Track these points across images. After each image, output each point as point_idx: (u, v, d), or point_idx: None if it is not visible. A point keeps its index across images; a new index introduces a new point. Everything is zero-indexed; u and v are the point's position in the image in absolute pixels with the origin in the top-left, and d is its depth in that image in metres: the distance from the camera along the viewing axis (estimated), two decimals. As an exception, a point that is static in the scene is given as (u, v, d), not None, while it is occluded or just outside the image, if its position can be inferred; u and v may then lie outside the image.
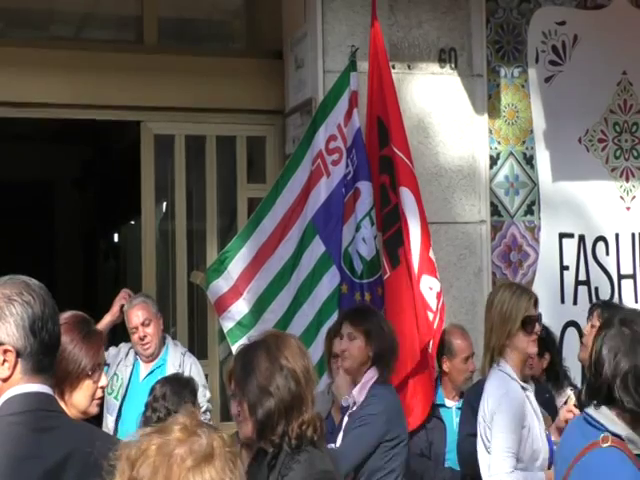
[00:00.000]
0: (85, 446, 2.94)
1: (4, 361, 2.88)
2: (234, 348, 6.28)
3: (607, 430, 3.55)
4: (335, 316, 6.23)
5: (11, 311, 2.97)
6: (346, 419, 5.39)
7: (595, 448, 3.56)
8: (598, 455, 3.54)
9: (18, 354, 2.92)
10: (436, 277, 6.30)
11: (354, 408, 5.38)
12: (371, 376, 5.41)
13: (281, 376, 3.50)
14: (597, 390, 3.62)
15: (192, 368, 6.42)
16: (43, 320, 2.98)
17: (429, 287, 6.28)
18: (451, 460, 5.95)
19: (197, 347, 7.21)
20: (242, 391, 3.57)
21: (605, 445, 3.52)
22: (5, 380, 2.91)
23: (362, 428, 5.23)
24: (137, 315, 6.43)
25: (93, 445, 2.96)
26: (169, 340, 6.67)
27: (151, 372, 6.44)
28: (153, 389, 5.23)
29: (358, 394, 5.40)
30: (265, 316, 6.40)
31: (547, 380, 6.18)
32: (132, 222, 9.97)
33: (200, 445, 2.07)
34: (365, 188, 6.31)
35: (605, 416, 3.60)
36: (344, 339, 5.51)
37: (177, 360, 6.46)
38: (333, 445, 5.23)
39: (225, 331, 6.53)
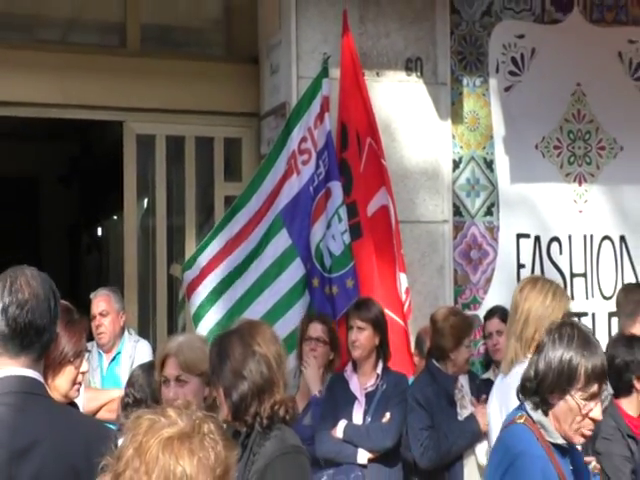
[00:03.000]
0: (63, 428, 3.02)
1: None
2: (198, 330, 6.38)
3: (526, 412, 3.65)
4: (298, 308, 6.33)
5: None
6: (362, 400, 5.70)
7: (511, 425, 3.68)
8: (511, 429, 3.66)
9: None
10: (405, 273, 6.42)
11: (373, 388, 5.73)
12: (378, 362, 5.75)
13: (254, 361, 3.53)
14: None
15: (142, 351, 6.52)
16: (20, 307, 3.04)
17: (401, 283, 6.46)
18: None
19: (171, 332, 7.17)
20: (217, 376, 3.61)
21: (519, 421, 3.63)
22: None
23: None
24: (97, 305, 6.58)
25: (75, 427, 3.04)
26: (127, 333, 6.73)
27: (111, 361, 6.56)
28: (130, 376, 5.28)
29: (370, 377, 5.73)
30: (222, 299, 6.45)
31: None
32: (115, 217, 9.99)
33: (182, 425, 2.07)
34: (335, 188, 6.38)
35: (532, 402, 3.67)
36: (354, 330, 5.70)
37: (130, 348, 6.57)
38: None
39: (191, 315, 6.59)
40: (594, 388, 3.53)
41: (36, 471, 2.91)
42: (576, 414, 3.53)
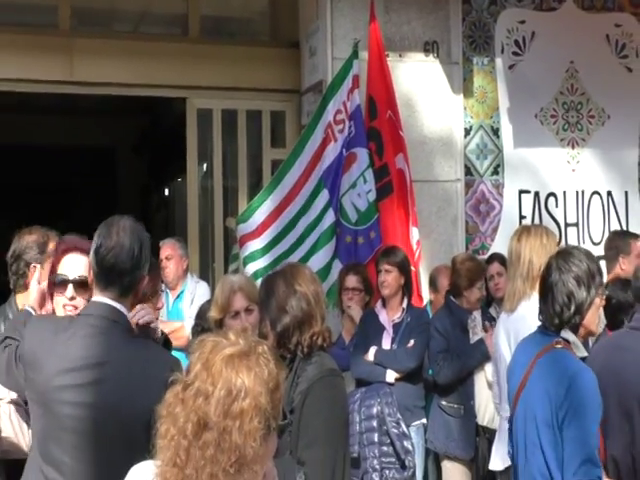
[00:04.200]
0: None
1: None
2: (247, 268, 6.42)
3: (561, 337, 3.59)
4: (325, 251, 6.33)
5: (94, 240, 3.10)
6: (390, 330, 5.75)
7: (551, 350, 3.62)
8: (554, 353, 3.59)
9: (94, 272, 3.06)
10: (417, 227, 6.40)
11: (399, 320, 5.77)
12: (404, 299, 5.79)
13: (295, 298, 3.50)
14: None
15: (201, 290, 6.54)
16: (107, 251, 3.06)
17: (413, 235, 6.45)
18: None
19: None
20: (265, 311, 3.60)
21: (558, 347, 3.57)
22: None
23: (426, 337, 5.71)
24: (164, 251, 6.64)
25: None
26: (189, 276, 6.75)
27: (175, 299, 6.60)
28: (199, 310, 5.27)
29: (397, 312, 5.77)
30: (272, 251, 6.44)
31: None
32: (179, 180, 9.97)
33: (241, 346, 2.08)
34: (361, 153, 6.37)
35: (569, 327, 3.63)
36: (383, 273, 5.73)
37: (192, 288, 6.60)
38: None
39: (241, 260, 6.59)
40: (599, 282, 3.60)
41: (99, 383, 2.94)
42: (598, 308, 3.59)
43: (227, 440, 1.99)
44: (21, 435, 3.43)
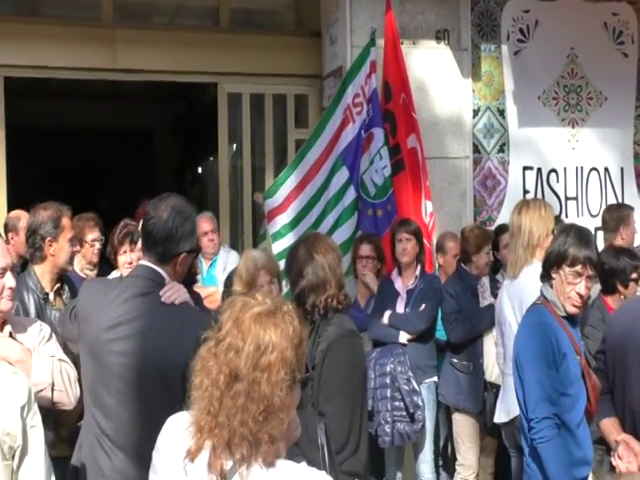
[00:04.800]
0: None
1: None
2: (274, 246, 6.40)
3: (543, 295, 3.67)
4: (348, 224, 6.31)
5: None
6: (404, 295, 5.73)
7: (532, 306, 3.73)
8: (533, 309, 3.71)
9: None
10: (430, 200, 6.38)
11: (412, 286, 5.75)
12: (417, 267, 5.78)
13: (312, 265, 3.52)
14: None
15: (232, 259, 6.52)
16: (147, 221, 3.14)
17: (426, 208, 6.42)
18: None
19: (256, 246, 7.27)
20: (288, 274, 3.63)
21: (538, 302, 3.66)
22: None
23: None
24: (207, 224, 6.54)
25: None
26: (222, 246, 6.76)
27: (209, 267, 6.61)
28: (228, 277, 5.29)
29: (410, 278, 5.76)
30: (298, 227, 6.41)
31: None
32: (211, 158, 10.00)
33: (269, 305, 2.09)
34: (377, 133, 6.36)
35: (545, 287, 3.71)
36: (403, 241, 5.71)
37: (224, 257, 6.62)
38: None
39: (270, 234, 6.58)
40: (578, 268, 3.59)
41: (139, 336, 3.01)
42: (565, 285, 3.58)
43: (256, 390, 2.00)
44: (70, 389, 3.46)
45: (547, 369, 3.51)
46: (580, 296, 3.61)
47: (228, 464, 2.02)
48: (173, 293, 3.09)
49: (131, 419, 2.97)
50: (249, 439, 2.00)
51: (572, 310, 3.65)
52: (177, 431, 2.15)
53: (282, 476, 2.02)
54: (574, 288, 3.60)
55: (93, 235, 5.73)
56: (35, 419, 2.50)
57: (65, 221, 4.36)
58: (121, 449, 3.00)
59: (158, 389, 2.92)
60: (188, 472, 2.06)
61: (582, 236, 3.68)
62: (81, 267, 5.77)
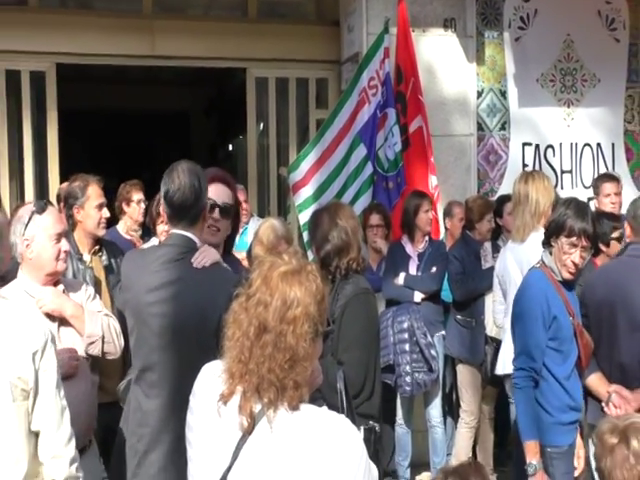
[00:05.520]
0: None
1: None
2: (300, 216, 6.39)
3: (543, 261, 3.65)
4: (366, 196, 6.30)
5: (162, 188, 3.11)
6: (415, 259, 5.72)
7: (531, 269, 3.72)
8: (531, 272, 3.69)
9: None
10: (435, 175, 6.34)
11: (422, 250, 5.75)
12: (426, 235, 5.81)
13: (336, 230, 3.52)
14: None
15: (257, 224, 6.52)
16: (174, 192, 3.08)
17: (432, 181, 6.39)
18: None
19: (282, 215, 7.31)
20: (312, 239, 3.63)
21: (537, 266, 3.65)
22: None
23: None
24: (239, 194, 6.52)
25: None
26: (251, 215, 6.74)
27: (240, 234, 6.57)
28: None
29: (420, 244, 5.76)
30: (322, 197, 6.39)
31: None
32: (240, 137, 9.97)
33: (294, 265, 2.09)
34: (391, 112, 6.33)
35: (545, 253, 3.68)
36: (428, 212, 5.81)
37: (254, 225, 6.57)
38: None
39: (295, 205, 6.58)
40: (573, 239, 3.57)
41: (177, 297, 3.02)
42: (562, 253, 3.55)
43: (283, 341, 2.00)
44: (116, 340, 3.49)
45: (533, 327, 3.52)
46: (575, 264, 3.58)
47: (257, 407, 2.03)
48: (204, 257, 3.09)
49: (171, 369, 3.00)
50: (276, 385, 2.00)
51: (567, 276, 3.63)
52: (211, 377, 2.16)
53: (305, 418, 2.03)
54: (570, 257, 3.57)
55: (138, 196, 5.89)
56: (48, 364, 2.46)
57: (91, 190, 4.37)
58: (162, 396, 3.04)
59: (194, 343, 2.94)
60: (221, 414, 2.08)
61: (579, 209, 3.63)
62: (126, 229, 5.85)
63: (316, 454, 1.99)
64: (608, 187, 5.75)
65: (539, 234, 4.20)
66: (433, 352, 5.46)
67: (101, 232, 4.45)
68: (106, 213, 4.43)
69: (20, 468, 2.45)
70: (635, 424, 2.48)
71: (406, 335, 5.45)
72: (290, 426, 2.01)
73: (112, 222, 5.91)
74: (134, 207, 5.85)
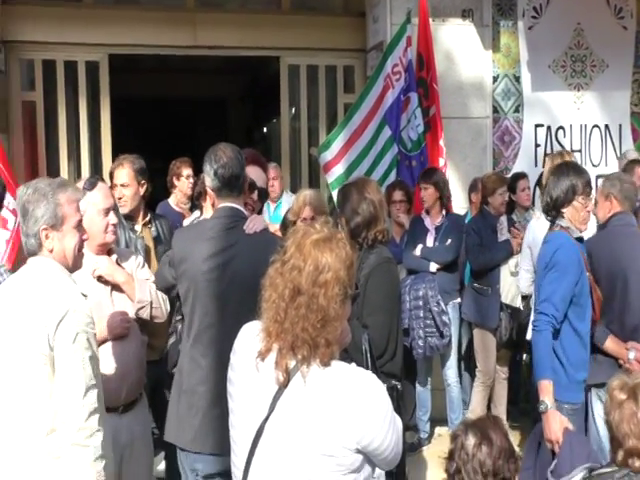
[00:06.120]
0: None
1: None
2: (333, 193, 6.34)
3: (560, 225, 3.62)
4: (393, 174, 6.27)
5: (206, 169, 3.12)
6: (433, 231, 5.68)
7: (551, 232, 3.67)
8: (552, 234, 3.64)
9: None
10: (443, 158, 6.27)
11: (440, 224, 5.69)
12: (442, 208, 5.73)
13: (365, 203, 3.50)
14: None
15: (292, 202, 6.48)
16: (223, 167, 3.09)
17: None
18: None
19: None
20: (342, 212, 3.57)
21: (556, 229, 3.61)
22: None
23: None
24: (273, 172, 6.54)
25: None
26: (285, 191, 6.73)
27: (274, 209, 6.60)
28: (285, 217, 5.26)
29: (437, 218, 5.71)
30: (352, 175, 6.34)
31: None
32: (274, 120, 9.94)
33: (325, 233, 2.08)
34: (413, 96, 6.26)
35: (559, 219, 3.66)
36: (422, 190, 5.65)
37: (287, 199, 6.58)
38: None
39: (329, 183, 6.55)
40: (588, 191, 3.64)
41: (230, 263, 3.03)
42: (581, 211, 3.54)
43: (315, 303, 2.01)
44: (163, 306, 3.52)
45: (567, 279, 3.48)
46: (589, 213, 3.67)
47: (292, 363, 2.04)
48: (255, 224, 3.11)
49: (228, 329, 2.92)
50: (309, 342, 2.01)
51: (584, 228, 3.68)
52: (250, 336, 2.17)
53: (336, 373, 2.03)
54: (586, 208, 3.63)
55: (187, 171, 5.93)
56: (69, 332, 2.47)
57: (126, 169, 4.38)
58: (209, 355, 3.03)
59: (251, 302, 2.92)
60: (259, 369, 2.09)
61: (576, 167, 3.74)
62: (177, 202, 5.89)
63: (346, 405, 1.99)
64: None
65: None
66: (445, 319, 5.44)
67: (135, 204, 4.37)
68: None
69: (44, 425, 2.48)
70: None
71: (421, 302, 5.44)
72: (322, 380, 2.02)
73: (163, 197, 6.01)
74: (183, 181, 5.89)
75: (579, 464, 2.92)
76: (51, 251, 2.63)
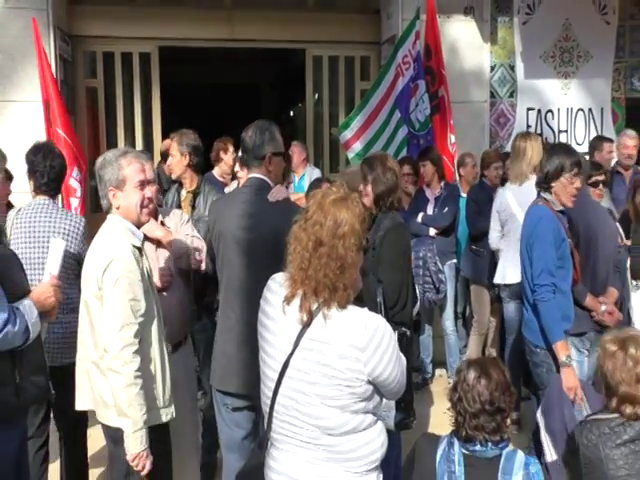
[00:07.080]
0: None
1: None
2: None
3: (543, 198, 3.57)
4: (404, 152, 6.23)
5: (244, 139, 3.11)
6: (432, 201, 5.68)
7: (534, 205, 3.62)
8: (534, 206, 3.60)
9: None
10: (454, 134, 6.21)
11: (438, 194, 5.69)
12: (441, 180, 5.74)
13: (388, 172, 3.45)
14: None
15: (314, 173, 6.51)
16: (248, 139, 3.07)
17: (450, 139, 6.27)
18: (460, 231, 5.88)
19: (333, 167, 7.29)
20: (366, 181, 3.46)
21: (540, 203, 3.56)
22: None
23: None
24: (296, 149, 6.54)
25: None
26: (309, 165, 6.71)
27: (299, 180, 6.58)
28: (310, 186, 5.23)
29: (436, 189, 5.70)
30: (370, 151, 6.30)
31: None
32: (300, 105, 9.88)
33: (341, 194, 2.09)
34: (421, 84, 6.18)
35: (545, 193, 3.60)
36: (422, 167, 5.62)
37: (310, 172, 6.60)
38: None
39: (350, 157, 6.51)
40: (575, 171, 3.51)
41: (257, 224, 3.04)
42: (567, 186, 3.48)
43: (335, 252, 2.03)
44: (198, 256, 3.52)
45: (550, 249, 3.44)
46: (577, 190, 3.53)
47: (314, 306, 2.06)
48: (277, 193, 3.11)
49: (253, 281, 2.98)
50: (329, 287, 2.04)
51: (571, 203, 3.55)
52: (277, 285, 2.19)
53: (351, 315, 2.06)
54: (574, 185, 3.51)
55: (232, 147, 5.88)
56: (112, 277, 2.58)
57: (172, 144, 4.38)
58: (242, 303, 3.07)
59: (271, 259, 2.93)
60: (286, 312, 2.12)
61: (567, 148, 3.65)
62: (221, 173, 5.90)
63: (359, 342, 2.02)
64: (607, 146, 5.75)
65: (531, 181, 4.19)
66: (441, 277, 5.46)
67: (176, 174, 4.33)
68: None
69: (99, 348, 2.62)
70: (633, 336, 2.47)
71: (420, 262, 5.46)
72: (340, 320, 2.05)
73: (205, 171, 6.00)
74: (229, 155, 5.89)
75: (562, 401, 2.96)
76: (118, 208, 2.72)
